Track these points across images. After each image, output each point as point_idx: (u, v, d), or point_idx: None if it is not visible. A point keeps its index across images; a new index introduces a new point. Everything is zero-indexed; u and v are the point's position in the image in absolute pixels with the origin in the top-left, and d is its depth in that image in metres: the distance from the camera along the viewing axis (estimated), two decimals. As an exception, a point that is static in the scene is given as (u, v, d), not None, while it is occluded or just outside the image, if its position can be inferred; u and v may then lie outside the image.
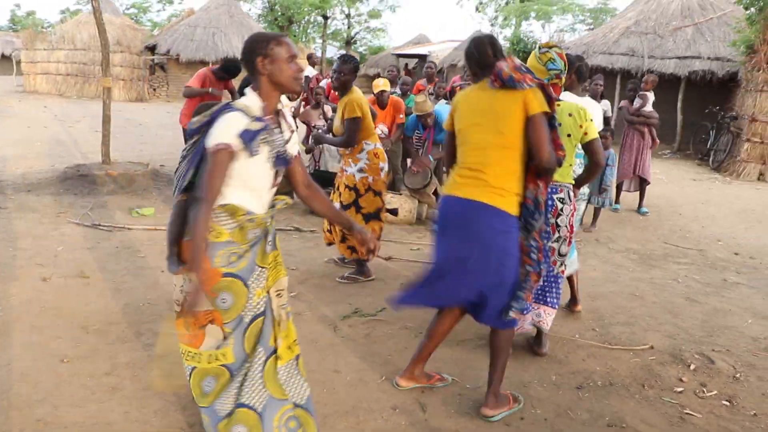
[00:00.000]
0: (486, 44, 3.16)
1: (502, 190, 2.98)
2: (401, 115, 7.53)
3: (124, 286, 4.79)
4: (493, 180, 2.99)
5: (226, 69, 7.10)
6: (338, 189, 5.23)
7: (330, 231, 5.29)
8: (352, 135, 4.96)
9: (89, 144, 11.54)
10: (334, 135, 5.25)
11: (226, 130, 2.37)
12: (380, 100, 7.49)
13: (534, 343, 4.03)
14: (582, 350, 4.14)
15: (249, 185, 2.49)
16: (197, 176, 2.51)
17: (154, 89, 22.75)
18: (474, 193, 3.01)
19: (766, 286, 5.78)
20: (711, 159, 13.37)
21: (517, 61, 3.02)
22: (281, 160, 2.55)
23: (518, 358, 3.92)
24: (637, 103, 8.40)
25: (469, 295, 3.09)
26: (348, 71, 4.97)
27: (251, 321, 2.55)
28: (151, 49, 22.46)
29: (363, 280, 5.19)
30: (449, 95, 8.26)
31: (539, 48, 3.59)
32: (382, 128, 7.54)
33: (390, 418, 3.20)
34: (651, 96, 8.36)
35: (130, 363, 3.62)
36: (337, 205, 5.07)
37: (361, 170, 5.08)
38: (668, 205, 9.16)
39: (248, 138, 2.39)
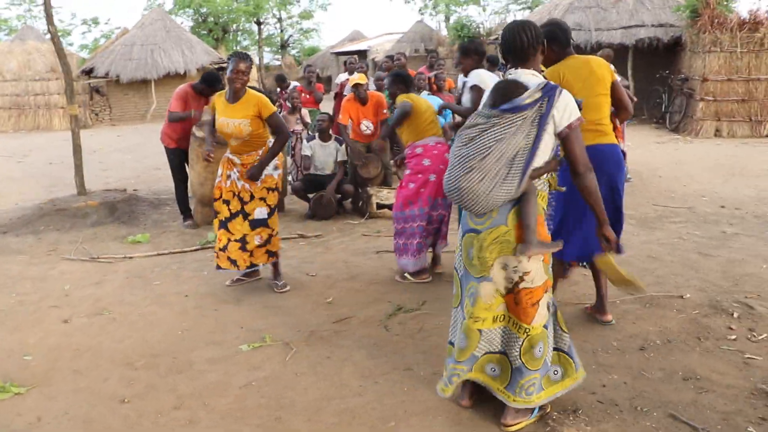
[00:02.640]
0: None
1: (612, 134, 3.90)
2: (384, 110, 7.50)
3: (153, 317, 4.64)
4: (608, 128, 3.87)
5: (208, 82, 6.94)
6: (249, 197, 4.88)
7: (223, 249, 4.96)
8: (284, 127, 4.88)
9: (49, 177, 11.13)
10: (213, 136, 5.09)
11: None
12: (358, 95, 7.44)
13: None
14: (629, 314, 4.23)
15: None
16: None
17: (96, 114, 22.03)
18: (601, 138, 3.80)
19: (761, 233, 6.04)
20: (668, 121, 13.85)
21: None
22: None
23: (577, 329, 3.97)
24: None
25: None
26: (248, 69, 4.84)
27: None
28: (88, 72, 21.74)
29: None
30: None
31: None
32: (366, 124, 7.52)
33: (478, 406, 3.19)
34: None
35: (195, 393, 3.52)
36: (260, 213, 4.89)
37: (276, 167, 4.94)
38: (646, 169, 9.42)
39: None
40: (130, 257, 6.15)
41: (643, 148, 11.49)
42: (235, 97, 4.77)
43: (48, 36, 31.80)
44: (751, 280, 4.78)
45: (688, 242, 5.83)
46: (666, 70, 14.51)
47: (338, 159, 7.44)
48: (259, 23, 33.44)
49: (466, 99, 5.10)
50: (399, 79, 5.31)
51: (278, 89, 9.92)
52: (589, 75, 3.78)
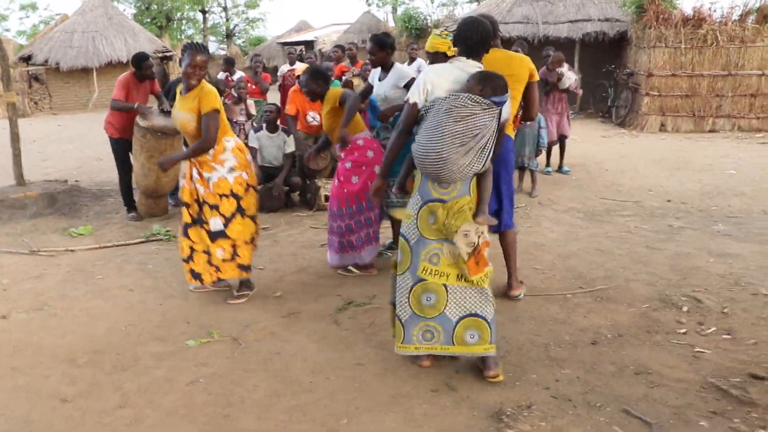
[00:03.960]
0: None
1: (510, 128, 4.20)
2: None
3: (96, 312, 4.47)
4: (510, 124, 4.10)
5: (135, 63, 6.74)
6: (201, 205, 4.42)
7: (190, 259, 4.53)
8: (212, 132, 4.27)
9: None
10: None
11: None
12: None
13: None
14: (580, 308, 4.27)
15: None
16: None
17: (36, 103, 21.22)
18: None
19: (706, 227, 6.18)
20: (613, 115, 14.11)
21: None
22: None
23: (528, 324, 4.01)
24: (551, 77, 8.53)
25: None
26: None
27: None
28: (26, 60, 20.92)
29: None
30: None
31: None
32: (313, 115, 7.41)
33: (433, 400, 3.18)
34: (563, 70, 8.56)
35: (140, 390, 3.39)
36: (215, 224, 4.38)
37: (232, 170, 4.38)
38: (592, 163, 9.58)
39: None
40: (72, 250, 5.92)
41: (590, 142, 11.68)
42: (188, 88, 4.36)
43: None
44: (699, 273, 4.88)
45: (636, 236, 5.93)
46: (612, 64, 14.76)
47: (286, 151, 7.31)
48: (204, 12, 32.79)
49: (392, 92, 5.02)
50: (319, 75, 5.04)
51: (226, 73, 9.67)
52: (509, 74, 3.67)
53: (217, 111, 4.26)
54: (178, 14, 32.64)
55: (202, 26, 34.09)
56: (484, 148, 3.16)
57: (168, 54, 22.71)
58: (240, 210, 4.42)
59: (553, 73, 8.36)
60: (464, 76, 3.40)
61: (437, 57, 4.02)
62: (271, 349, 3.82)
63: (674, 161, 9.69)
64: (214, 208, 4.37)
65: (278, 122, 7.43)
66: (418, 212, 3.30)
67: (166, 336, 4.05)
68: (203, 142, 4.26)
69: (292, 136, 7.31)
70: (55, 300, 4.71)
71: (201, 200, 4.40)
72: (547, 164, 8.92)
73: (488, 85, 3.23)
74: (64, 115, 20.16)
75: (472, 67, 3.44)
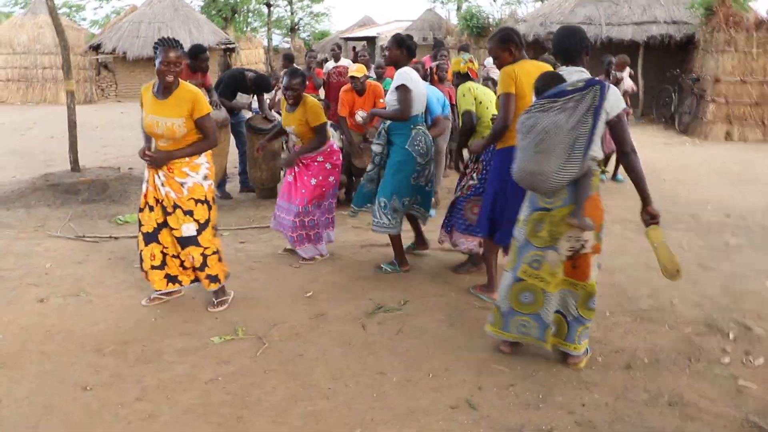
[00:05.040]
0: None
1: None
2: (381, 100, 7.31)
3: (129, 302, 4.52)
4: None
5: (191, 54, 6.83)
6: (172, 207, 4.18)
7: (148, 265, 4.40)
8: (214, 132, 4.21)
9: (48, 152, 11.01)
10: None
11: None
12: (355, 87, 7.25)
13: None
14: (618, 327, 4.08)
15: None
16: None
17: (102, 90, 21.88)
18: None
19: (767, 246, 5.83)
20: (677, 122, 13.54)
21: None
22: None
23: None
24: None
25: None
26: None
27: None
28: (95, 48, 21.58)
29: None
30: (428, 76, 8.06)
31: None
32: (361, 114, 7.34)
33: (451, 417, 3.07)
34: (625, 73, 8.33)
35: (160, 385, 3.40)
36: (188, 230, 4.18)
37: (206, 177, 4.23)
38: (650, 171, 9.11)
39: None
40: (116, 238, 6.03)
41: (649, 149, 11.24)
42: (166, 91, 4.08)
43: (62, 10, 31.67)
44: (752, 297, 4.59)
45: (689, 252, 5.64)
46: (677, 68, 14.14)
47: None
48: (268, 5, 33.12)
49: (392, 99, 4.92)
50: (304, 80, 5.23)
51: (283, 69, 9.75)
52: None
53: (210, 113, 4.17)
54: (244, 7, 33.08)
55: (266, 19, 34.49)
56: (572, 153, 3.20)
57: (231, 46, 23.09)
58: (209, 220, 4.27)
59: (611, 76, 8.11)
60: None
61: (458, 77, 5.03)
62: (294, 351, 3.77)
63: (738, 173, 9.24)
64: (188, 213, 4.17)
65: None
66: (528, 219, 3.48)
67: (192, 331, 4.05)
68: (209, 142, 4.17)
69: (338, 132, 7.27)
70: (92, 286, 4.79)
71: (172, 205, 4.16)
72: (602, 172, 8.62)
73: (535, 86, 3.51)
74: (128, 102, 20.69)
75: (573, 72, 3.57)
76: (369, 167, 5.24)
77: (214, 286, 4.35)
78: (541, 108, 3.26)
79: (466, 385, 3.35)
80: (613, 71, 8.43)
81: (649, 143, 11.93)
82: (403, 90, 4.78)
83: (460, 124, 5.33)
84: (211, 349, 3.79)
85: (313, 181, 5.22)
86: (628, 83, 8.33)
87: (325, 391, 3.31)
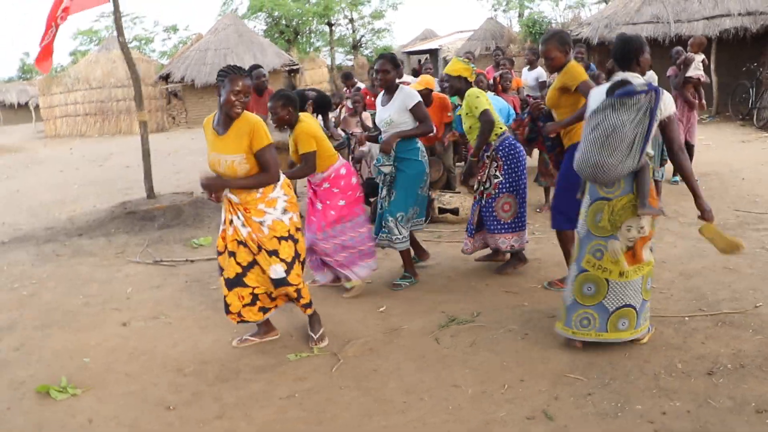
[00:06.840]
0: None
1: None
2: (449, 113, 7.33)
3: (207, 323, 4.66)
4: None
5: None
6: (257, 248, 3.91)
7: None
8: (276, 165, 3.82)
9: (125, 180, 11.51)
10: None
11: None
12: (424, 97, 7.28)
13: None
14: (698, 333, 3.93)
15: None
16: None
17: (173, 118, 22.75)
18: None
19: None
20: (755, 118, 12.94)
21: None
22: None
23: (638, 348, 3.74)
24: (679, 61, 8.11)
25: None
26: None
27: None
28: (165, 78, 22.47)
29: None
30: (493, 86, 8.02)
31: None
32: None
33: (527, 428, 3.03)
34: (698, 58, 8.06)
35: (238, 403, 3.49)
36: (276, 272, 3.90)
37: (285, 210, 3.91)
38: (727, 171, 8.85)
39: None
40: (191, 261, 6.23)
41: (726, 148, 10.83)
42: (226, 124, 3.75)
43: (133, 44, 33.06)
44: (841, 296, 4.37)
45: (771, 252, 5.40)
46: (754, 62, 13.53)
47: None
48: (330, 24, 33.67)
49: (398, 116, 4.92)
50: (288, 101, 4.62)
51: (344, 88, 9.90)
52: None
53: (271, 144, 3.78)
54: (306, 28, 33.78)
55: (329, 38, 35.08)
56: (632, 149, 3.42)
57: (295, 67, 23.59)
58: (297, 255, 3.98)
59: (682, 58, 7.93)
60: None
61: (459, 81, 4.96)
62: (368, 366, 3.80)
63: (821, 169, 8.78)
64: (273, 254, 3.87)
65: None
66: (588, 210, 3.66)
67: (269, 349, 4.14)
68: (270, 176, 3.78)
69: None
70: (170, 309, 4.97)
71: (257, 246, 3.90)
72: (674, 173, 8.35)
73: (610, 88, 3.62)
74: (198, 129, 21.36)
75: (631, 78, 3.65)
76: (382, 192, 5.14)
77: (309, 311, 4.18)
78: (611, 105, 3.47)
79: (542, 396, 3.31)
80: (686, 54, 8.18)
81: (725, 141, 11.49)
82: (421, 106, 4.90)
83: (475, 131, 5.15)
84: (287, 367, 3.87)
85: (319, 206, 4.90)
86: (697, 71, 8.04)
87: (399, 406, 3.33)
